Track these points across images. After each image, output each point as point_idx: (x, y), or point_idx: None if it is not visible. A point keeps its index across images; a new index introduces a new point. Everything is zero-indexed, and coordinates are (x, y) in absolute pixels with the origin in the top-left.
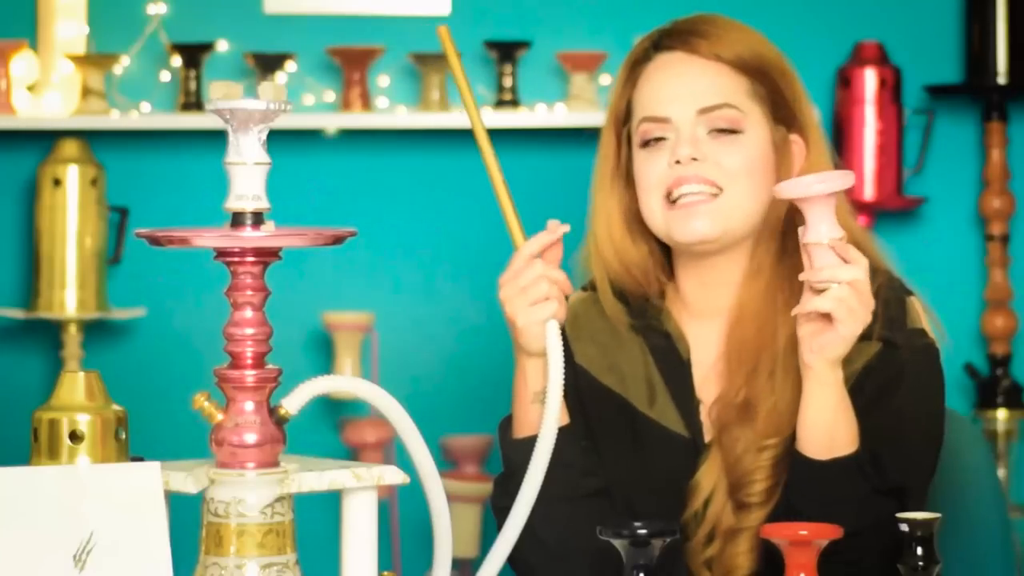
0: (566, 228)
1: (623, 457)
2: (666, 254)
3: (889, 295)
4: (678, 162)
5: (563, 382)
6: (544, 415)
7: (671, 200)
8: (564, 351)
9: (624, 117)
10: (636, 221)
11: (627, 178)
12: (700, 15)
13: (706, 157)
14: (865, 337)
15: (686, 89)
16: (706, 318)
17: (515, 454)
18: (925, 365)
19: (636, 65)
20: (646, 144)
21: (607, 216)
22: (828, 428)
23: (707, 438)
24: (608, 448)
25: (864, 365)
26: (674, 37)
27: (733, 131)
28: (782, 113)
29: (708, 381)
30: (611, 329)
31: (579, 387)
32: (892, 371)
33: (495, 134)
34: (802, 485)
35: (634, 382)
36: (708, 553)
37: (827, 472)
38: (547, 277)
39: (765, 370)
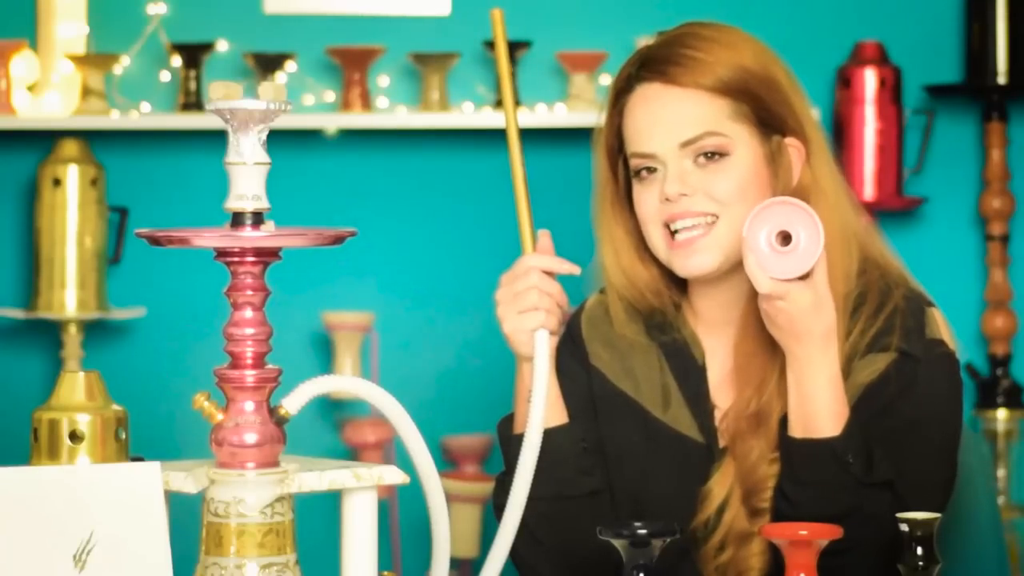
0: (576, 270)
1: (635, 462)
2: None
3: (907, 306)
4: (668, 199)
5: (546, 390)
6: (528, 424)
7: (672, 232)
8: (580, 352)
9: (617, 145)
10: (643, 243)
11: (629, 201)
12: (682, 31)
13: (695, 189)
14: (883, 349)
15: (666, 123)
16: (720, 327)
17: (512, 450)
18: (941, 373)
19: (620, 95)
20: (639, 175)
21: (613, 244)
22: (799, 405)
23: (722, 443)
24: (619, 452)
25: (880, 374)
26: (652, 67)
27: (720, 154)
28: (772, 122)
29: (723, 387)
30: (626, 335)
31: (592, 389)
32: (907, 380)
33: (497, 134)
34: (780, 456)
35: (648, 387)
36: (721, 559)
37: (797, 449)
38: (539, 288)
39: (772, 381)
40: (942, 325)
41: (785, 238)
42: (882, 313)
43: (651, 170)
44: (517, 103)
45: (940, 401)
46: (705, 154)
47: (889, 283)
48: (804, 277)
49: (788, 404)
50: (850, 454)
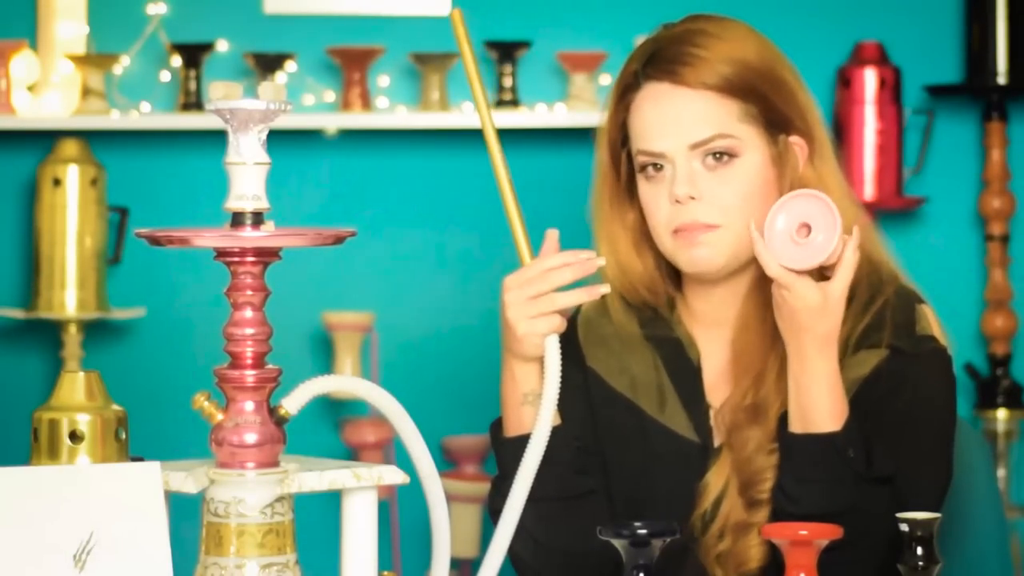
0: (601, 262)
1: (632, 460)
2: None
3: (898, 303)
4: (677, 200)
5: (558, 392)
6: (536, 426)
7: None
8: (576, 353)
9: (621, 140)
10: (642, 237)
11: (630, 196)
12: (687, 26)
13: (702, 194)
14: (873, 345)
15: (676, 123)
16: (715, 327)
17: (506, 454)
18: (933, 369)
19: (625, 92)
20: (644, 170)
21: (610, 239)
22: (797, 399)
23: (716, 442)
24: (617, 451)
25: (871, 371)
26: (660, 66)
27: (730, 155)
28: (780, 122)
29: (718, 386)
30: (622, 335)
31: (590, 390)
32: (899, 376)
33: (499, 134)
34: (780, 453)
35: (644, 387)
36: (720, 549)
37: (798, 444)
38: (556, 293)
39: (771, 374)
40: (933, 321)
41: (806, 230)
42: (872, 307)
43: (658, 167)
44: (519, 103)
45: (933, 397)
46: (714, 155)
47: (881, 278)
48: (823, 277)
49: (788, 399)
50: (850, 448)
